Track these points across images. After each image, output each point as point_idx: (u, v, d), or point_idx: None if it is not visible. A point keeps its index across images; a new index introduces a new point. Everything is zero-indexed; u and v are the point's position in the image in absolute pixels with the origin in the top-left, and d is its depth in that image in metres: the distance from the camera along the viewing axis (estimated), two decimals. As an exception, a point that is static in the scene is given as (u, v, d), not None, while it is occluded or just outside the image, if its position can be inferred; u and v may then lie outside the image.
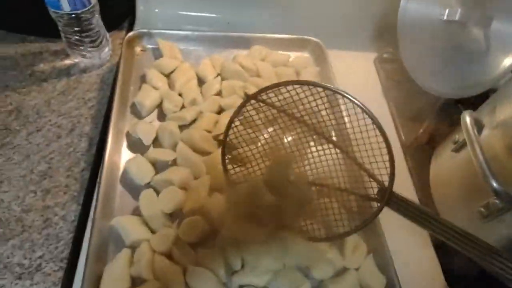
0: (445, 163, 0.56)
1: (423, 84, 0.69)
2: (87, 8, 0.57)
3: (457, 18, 0.63)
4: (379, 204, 0.43)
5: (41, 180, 0.53)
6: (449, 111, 0.69)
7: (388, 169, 0.41)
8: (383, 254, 0.47)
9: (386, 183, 0.42)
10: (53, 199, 0.51)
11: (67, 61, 0.66)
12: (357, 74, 0.76)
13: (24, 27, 0.68)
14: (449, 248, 0.40)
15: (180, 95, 0.59)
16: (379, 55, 0.80)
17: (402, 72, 0.76)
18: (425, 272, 0.52)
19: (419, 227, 0.41)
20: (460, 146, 0.51)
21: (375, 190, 0.44)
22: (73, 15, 0.57)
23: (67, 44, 0.63)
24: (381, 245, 0.48)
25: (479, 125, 0.47)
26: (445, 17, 0.65)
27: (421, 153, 0.65)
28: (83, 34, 0.61)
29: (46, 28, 0.65)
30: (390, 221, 0.52)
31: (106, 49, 0.66)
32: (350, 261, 0.47)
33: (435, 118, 0.70)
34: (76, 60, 0.66)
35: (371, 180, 0.43)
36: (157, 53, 0.65)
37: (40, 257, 0.47)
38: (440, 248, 0.55)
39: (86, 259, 0.42)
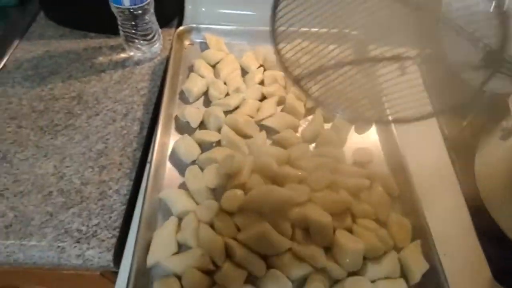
0: (491, 153, 0.54)
1: (468, 79, 0.68)
2: (143, 4, 0.62)
3: (505, 8, 0.62)
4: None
5: (98, 157, 0.58)
6: (496, 105, 0.67)
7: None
8: (425, 239, 0.47)
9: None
10: (108, 174, 0.56)
11: (123, 55, 0.72)
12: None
13: (86, 25, 0.75)
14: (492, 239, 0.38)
15: (224, 83, 0.62)
16: (419, 52, 0.79)
17: (444, 68, 0.75)
18: (470, 263, 0.51)
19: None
20: (508, 133, 0.49)
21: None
22: (131, 10, 0.62)
23: (123, 38, 0.69)
24: (423, 230, 0.48)
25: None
26: (491, 9, 0.64)
27: (466, 148, 0.63)
28: (139, 29, 0.66)
29: (105, 26, 0.72)
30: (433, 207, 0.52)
31: (157, 44, 0.72)
32: (398, 240, 0.46)
33: (481, 112, 0.68)
34: (131, 54, 0.72)
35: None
36: (204, 47, 0.70)
37: (96, 225, 0.51)
38: (485, 238, 0.53)
39: (139, 226, 0.46)
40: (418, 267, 0.44)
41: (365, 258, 0.45)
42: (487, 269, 0.51)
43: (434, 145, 0.64)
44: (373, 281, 0.43)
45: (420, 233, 0.48)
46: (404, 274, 0.45)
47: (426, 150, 0.62)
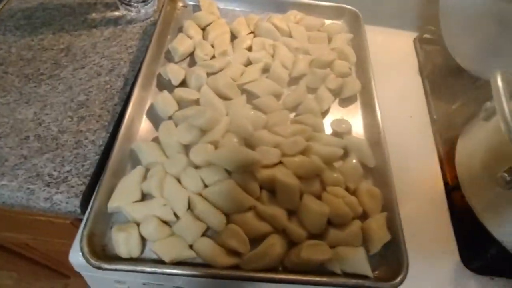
0: (474, 135, 0.53)
1: (463, 63, 0.66)
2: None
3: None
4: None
5: (79, 108, 0.58)
6: (488, 92, 0.65)
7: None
8: (392, 212, 0.46)
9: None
10: (86, 125, 0.56)
11: (116, 13, 0.72)
12: (393, 51, 0.75)
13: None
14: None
15: (212, 46, 0.62)
16: (419, 35, 0.77)
17: (442, 54, 0.73)
18: (438, 244, 0.50)
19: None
20: (490, 113, 0.48)
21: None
22: (126, -35, 0.61)
23: (118, -4, 0.69)
24: (392, 203, 0.47)
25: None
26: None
27: (452, 131, 0.62)
28: (133, -13, 0.66)
29: (102, -17, 0.71)
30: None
31: (151, 4, 0.71)
32: (368, 208, 0.46)
33: (471, 99, 0.66)
34: (124, 12, 0.71)
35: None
36: (197, 10, 0.69)
37: (67, 171, 0.51)
38: (457, 221, 0.52)
39: (104, 171, 0.46)
40: (380, 238, 0.43)
41: (330, 224, 0.45)
42: (455, 252, 0.50)
43: (420, 126, 0.63)
44: (332, 247, 0.43)
45: (388, 207, 0.47)
46: (365, 244, 0.44)
47: (410, 130, 0.61)
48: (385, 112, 0.57)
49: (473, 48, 0.66)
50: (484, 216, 0.47)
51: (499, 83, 0.43)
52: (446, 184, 0.57)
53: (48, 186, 0.50)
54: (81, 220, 0.52)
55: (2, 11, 0.70)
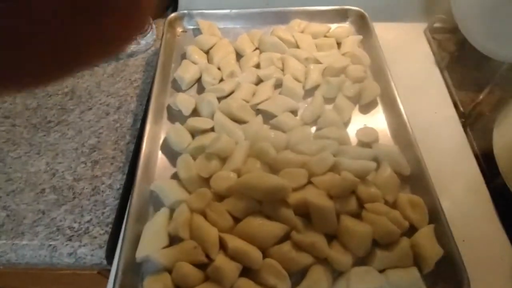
0: (511, 125, 0.49)
1: (481, 46, 0.62)
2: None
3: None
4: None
5: (91, 152, 0.56)
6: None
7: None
8: (439, 222, 0.42)
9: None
10: (101, 169, 0.54)
11: (116, 48, 0.70)
12: (406, 46, 0.71)
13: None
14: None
15: (218, 69, 0.59)
16: (429, 25, 0.74)
17: (456, 41, 0.69)
18: (492, 250, 0.46)
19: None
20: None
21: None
22: None
23: (115, 31, 0.67)
24: (437, 212, 0.43)
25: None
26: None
27: (483, 123, 0.58)
28: (129, 19, 0.64)
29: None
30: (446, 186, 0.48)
31: (150, 34, 0.69)
32: (415, 220, 0.42)
33: (498, 85, 0.62)
34: (124, 46, 0.70)
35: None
36: (197, 33, 0.66)
37: (88, 221, 0.49)
38: (509, 221, 0.48)
39: (126, 218, 0.43)
40: (432, 254, 0.39)
41: (375, 245, 0.41)
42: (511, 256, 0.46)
43: (447, 121, 0.59)
44: (381, 271, 0.39)
45: (434, 216, 0.43)
46: (416, 262, 0.41)
47: (438, 127, 0.57)
48: (408, 112, 0.53)
49: (490, 30, 0.62)
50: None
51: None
52: (487, 178, 0.53)
53: (70, 240, 0.48)
54: (108, 270, 0.50)
55: (2, 62, 0.69)
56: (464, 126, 0.59)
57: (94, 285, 0.54)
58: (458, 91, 0.64)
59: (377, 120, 0.56)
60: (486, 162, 0.54)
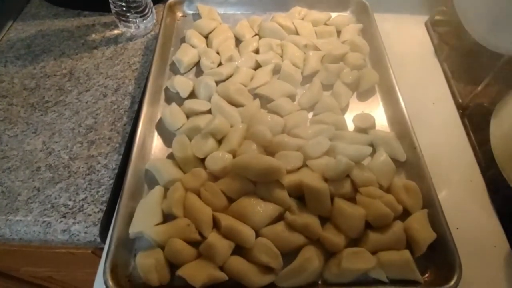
0: (509, 113, 0.49)
1: (482, 38, 0.62)
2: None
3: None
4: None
5: (88, 132, 0.56)
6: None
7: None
8: (433, 207, 0.42)
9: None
10: (97, 149, 0.54)
11: (116, 31, 0.70)
12: (407, 37, 0.71)
13: (80, 4, 0.73)
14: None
15: (217, 53, 0.59)
16: (430, 17, 0.74)
17: (456, 34, 0.69)
18: (486, 238, 0.46)
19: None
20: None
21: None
22: (121, -19, 0.60)
23: (115, 15, 0.67)
24: (431, 198, 0.43)
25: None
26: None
27: (481, 114, 0.58)
28: (130, 3, 0.64)
29: (99, 4, 0.70)
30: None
31: (150, 19, 0.69)
32: (409, 205, 0.42)
33: (496, 77, 0.62)
34: (123, 30, 0.69)
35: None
36: (197, 18, 0.66)
37: (83, 199, 0.49)
38: (503, 210, 0.48)
39: (121, 195, 0.43)
40: (424, 237, 0.39)
41: (368, 227, 0.41)
42: (506, 245, 0.46)
43: (445, 112, 0.59)
44: (374, 253, 0.39)
45: (428, 202, 0.43)
46: (408, 246, 0.41)
47: (436, 117, 0.57)
48: (406, 101, 0.53)
49: (490, 21, 0.62)
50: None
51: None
52: (483, 168, 0.53)
53: (64, 217, 0.48)
54: (102, 248, 0.50)
55: (1, 42, 0.69)
56: (462, 117, 0.59)
57: (89, 263, 0.54)
58: (457, 83, 0.64)
59: (374, 108, 0.56)
60: (483, 152, 0.54)
